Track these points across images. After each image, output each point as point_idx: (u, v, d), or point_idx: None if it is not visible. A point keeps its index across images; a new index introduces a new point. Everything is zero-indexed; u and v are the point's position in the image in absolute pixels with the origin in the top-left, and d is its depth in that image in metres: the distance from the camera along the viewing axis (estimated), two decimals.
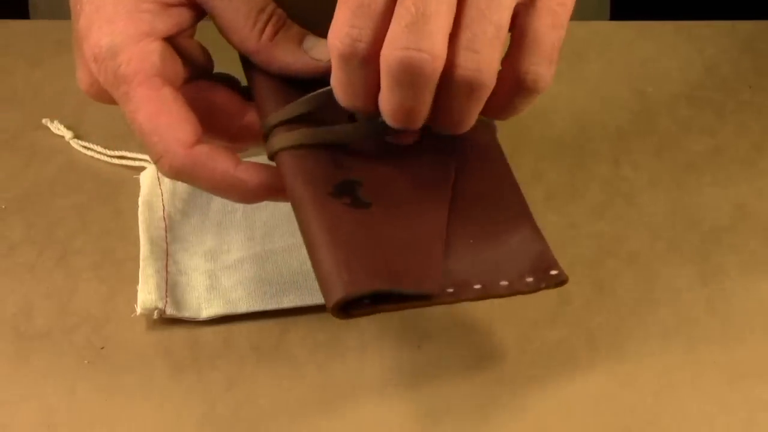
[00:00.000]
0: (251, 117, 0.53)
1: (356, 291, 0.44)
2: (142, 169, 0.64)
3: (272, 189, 0.51)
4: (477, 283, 0.47)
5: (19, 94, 0.71)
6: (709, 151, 0.67)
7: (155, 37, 0.50)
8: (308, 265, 0.57)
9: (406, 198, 0.49)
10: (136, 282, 0.56)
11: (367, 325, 0.56)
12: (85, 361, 0.54)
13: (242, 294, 0.56)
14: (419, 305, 0.46)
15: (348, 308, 0.45)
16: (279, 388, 0.53)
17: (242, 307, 0.56)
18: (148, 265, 0.57)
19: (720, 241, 0.61)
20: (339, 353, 0.54)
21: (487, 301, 0.56)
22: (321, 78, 0.49)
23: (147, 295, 0.55)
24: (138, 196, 0.61)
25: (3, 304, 0.57)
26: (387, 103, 0.46)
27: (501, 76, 0.46)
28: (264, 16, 0.51)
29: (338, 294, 0.44)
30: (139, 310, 0.55)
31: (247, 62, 0.53)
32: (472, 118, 0.47)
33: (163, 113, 0.49)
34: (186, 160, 0.49)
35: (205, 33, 0.54)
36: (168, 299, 0.55)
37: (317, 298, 0.56)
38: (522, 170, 0.64)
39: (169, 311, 0.55)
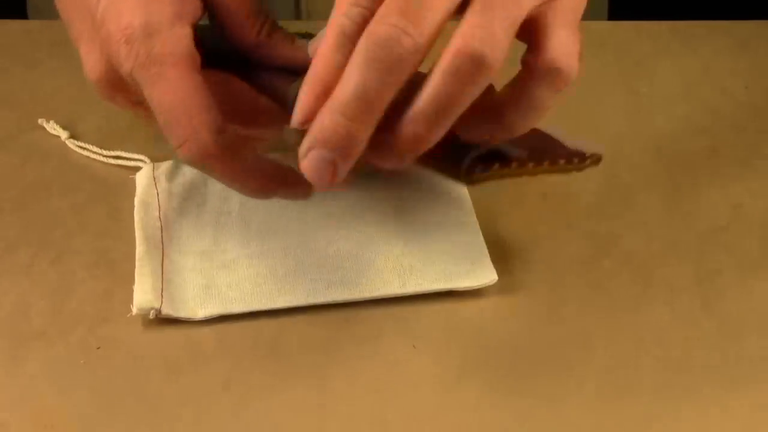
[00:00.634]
0: (264, 100, 0.54)
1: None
2: (138, 169, 0.64)
3: (285, 183, 0.52)
4: (560, 160, 0.57)
5: (14, 95, 0.71)
6: (705, 151, 0.67)
7: (186, 21, 0.51)
8: (305, 264, 0.57)
9: None
10: (132, 282, 0.56)
11: (363, 325, 0.56)
12: (81, 361, 0.54)
13: (238, 294, 0.56)
14: (516, 173, 0.56)
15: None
16: (275, 389, 0.53)
17: (238, 307, 0.56)
18: (144, 265, 0.57)
19: (716, 241, 0.61)
20: (335, 353, 0.54)
21: (480, 300, 0.57)
22: None
23: (143, 295, 0.55)
24: (134, 196, 0.61)
25: None
26: (348, 82, 0.44)
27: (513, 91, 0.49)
28: (262, 17, 0.53)
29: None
30: (135, 310, 0.55)
31: (239, 66, 0.54)
32: (465, 102, 0.46)
33: (195, 96, 0.49)
34: (213, 145, 0.49)
35: None
36: (164, 299, 0.55)
37: (313, 298, 0.56)
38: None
39: (165, 311, 0.55)
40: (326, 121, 0.44)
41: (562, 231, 0.61)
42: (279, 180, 0.52)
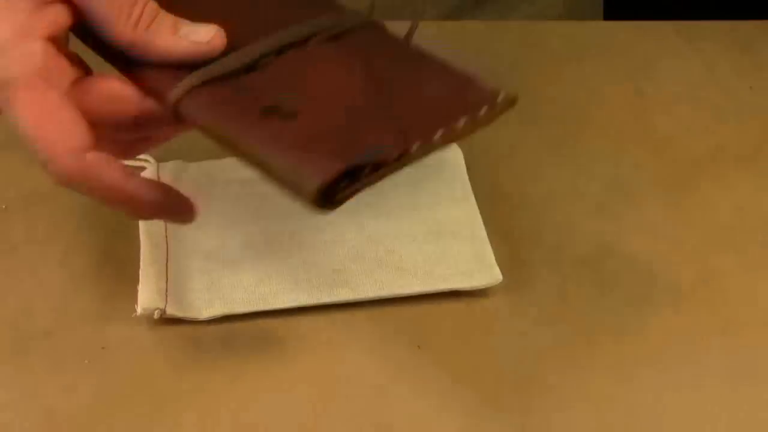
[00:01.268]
0: (149, 103, 0.50)
1: (333, 171, 0.43)
2: (143, 169, 0.64)
3: (164, 206, 0.49)
4: (438, 130, 0.45)
5: None
6: (709, 151, 0.67)
7: (35, 36, 0.47)
8: (309, 264, 0.57)
9: (328, 96, 0.48)
10: (137, 282, 0.56)
11: (367, 326, 0.56)
12: (86, 361, 0.54)
13: (242, 294, 0.56)
14: (394, 169, 0.45)
15: (328, 198, 0.44)
16: (279, 389, 0.53)
17: (242, 308, 0.56)
18: (149, 266, 0.57)
19: (720, 241, 0.61)
20: (339, 353, 0.54)
21: (485, 300, 0.56)
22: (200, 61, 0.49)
23: (148, 295, 0.55)
24: None
25: (4, 303, 0.57)
26: None
27: None
28: (137, 9, 0.49)
29: (315, 181, 0.43)
30: (139, 310, 0.55)
31: (121, 61, 0.51)
32: None
33: (48, 118, 0.46)
34: (74, 167, 0.46)
35: None
36: (168, 299, 0.55)
37: (318, 298, 0.56)
38: (521, 170, 0.65)
39: (170, 311, 0.55)
40: None
41: (567, 231, 0.61)
42: (157, 204, 0.48)
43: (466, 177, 0.62)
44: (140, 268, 0.57)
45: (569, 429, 0.51)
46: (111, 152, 0.48)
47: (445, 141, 0.45)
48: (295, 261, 0.58)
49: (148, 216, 0.50)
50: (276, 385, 0.53)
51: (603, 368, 0.54)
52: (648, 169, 0.66)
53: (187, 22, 0.49)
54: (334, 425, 0.51)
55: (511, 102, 0.47)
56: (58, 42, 0.49)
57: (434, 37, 0.71)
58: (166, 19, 0.49)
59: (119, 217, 0.61)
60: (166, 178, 0.62)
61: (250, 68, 0.49)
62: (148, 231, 0.59)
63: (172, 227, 0.60)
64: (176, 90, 0.48)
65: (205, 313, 0.56)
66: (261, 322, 0.56)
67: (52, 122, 0.46)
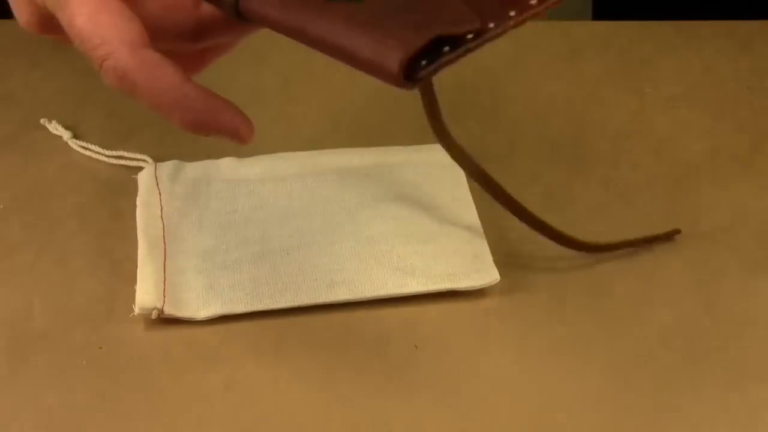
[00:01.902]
0: (206, 8, 0.49)
1: (414, 45, 0.42)
2: (140, 169, 0.64)
3: (216, 114, 0.47)
4: (511, 10, 0.45)
5: (17, 94, 0.71)
6: (707, 151, 0.67)
7: None
8: (307, 264, 0.57)
9: None
10: (135, 282, 0.56)
11: (365, 325, 0.56)
12: (84, 361, 0.54)
13: (240, 294, 0.56)
14: (474, 47, 0.44)
15: (410, 76, 0.42)
16: (277, 389, 0.53)
17: (240, 307, 0.56)
18: (147, 265, 0.57)
19: (718, 241, 0.61)
20: (337, 354, 0.54)
21: (483, 300, 0.56)
22: None
23: (145, 294, 0.55)
24: (136, 196, 0.61)
25: (2, 304, 0.57)
26: None
27: None
28: None
29: (397, 57, 0.42)
30: (137, 310, 0.55)
31: None
32: None
33: (104, 11, 0.45)
34: (131, 61, 0.45)
35: None
36: (166, 299, 0.55)
37: (315, 298, 0.56)
38: (520, 171, 0.65)
39: (168, 311, 0.55)
40: None
41: (564, 230, 0.61)
42: (212, 113, 0.46)
43: (464, 177, 0.62)
44: (138, 268, 0.57)
45: (567, 430, 0.51)
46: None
47: (519, 20, 0.45)
48: (293, 261, 0.58)
49: (200, 125, 0.47)
50: (274, 385, 0.53)
51: (601, 368, 0.54)
52: (646, 169, 0.66)
53: None
54: (331, 425, 0.51)
55: None
56: None
57: None
58: None
59: (116, 217, 0.61)
60: (164, 178, 0.62)
61: None
62: (145, 231, 0.59)
63: (170, 227, 0.60)
64: None
65: (203, 313, 0.56)
66: (258, 322, 0.56)
67: (110, 16, 0.45)
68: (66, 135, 0.67)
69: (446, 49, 0.43)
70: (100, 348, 0.55)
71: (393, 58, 0.42)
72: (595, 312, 0.57)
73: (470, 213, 0.61)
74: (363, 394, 0.52)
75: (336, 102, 0.71)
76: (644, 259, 0.60)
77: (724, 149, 0.67)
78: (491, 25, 0.44)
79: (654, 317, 0.56)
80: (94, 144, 0.66)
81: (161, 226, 0.60)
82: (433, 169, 0.63)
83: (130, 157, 0.65)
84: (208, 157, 0.64)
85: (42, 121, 0.68)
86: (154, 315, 0.55)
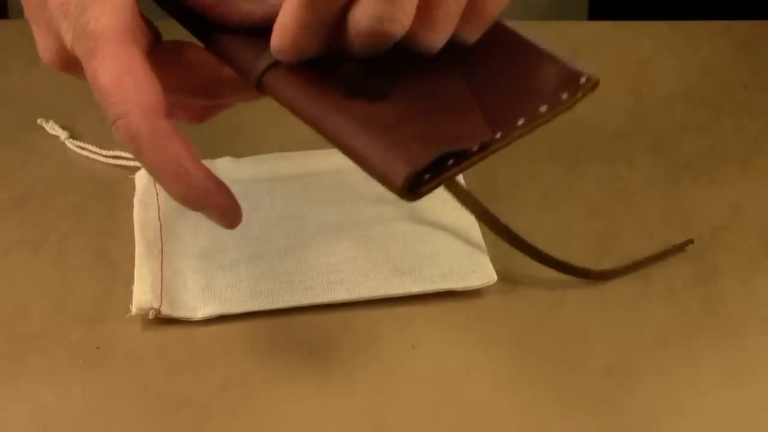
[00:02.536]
0: (227, 72, 0.50)
1: (420, 162, 0.42)
2: (138, 168, 0.64)
3: (210, 196, 0.48)
4: (519, 119, 0.45)
5: (14, 94, 0.71)
6: (704, 150, 0.67)
7: None
8: (304, 264, 0.57)
9: (418, 78, 0.47)
10: (132, 282, 0.56)
11: (362, 326, 0.56)
12: (81, 361, 0.54)
13: (238, 294, 0.56)
14: (478, 160, 0.44)
15: (413, 188, 0.43)
16: (274, 389, 0.53)
17: (238, 308, 0.56)
18: (144, 265, 0.57)
19: (716, 240, 0.61)
20: (334, 354, 0.54)
21: (480, 300, 0.56)
22: None
23: (142, 294, 0.55)
24: (133, 195, 0.61)
25: None
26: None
27: None
28: None
29: (403, 172, 0.42)
30: (134, 310, 0.55)
31: (198, 27, 0.50)
32: None
33: (129, 73, 0.46)
34: (144, 127, 0.45)
35: None
36: (163, 299, 0.55)
37: (312, 298, 0.56)
38: (518, 170, 0.65)
39: (165, 311, 0.55)
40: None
41: (561, 230, 0.61)
42: (207, 195, 0.47)
43: (461, 176, 0.62)
44: (135, 268, 0.57)
45: (564, 430, 0.51)
46: (182, 117, 0.49)
47: (527, 129, 0.45)
48: (290, 261, 0.58)
49: (193, 202, 0.48)
50: (271, 385, 0.53)
51: (598, 369, 0.54)
52: (643, 168, 0.66)
53: None
54: (329, 424, 0.51)
55: (593, 85, 0.47)
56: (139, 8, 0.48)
57: None
58: None
59: (114, 217, 0.61)
60: None
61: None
62: (142, 231, 0.59)
63: (168, 227, 0.60)
64: (261, 62, 0.47)
65: (200, 313, 0.55)
66: (256, 323, 0.56)
67: (133, 77, 0.46)
68: (63, 135, 0.67)
69: (450, 162, 0.43)
70: (98, 348, 0.55)
71: (399, 174, 0.42)
72: (592, 312, 0.57)
73: (467, 213, 0.61)
74: (360, 394, 0.52)
75: None
76: (641, 258, 0.60)
77: (722, 149, 0.67)
78: (498, 135, 0.44)
79: (652, 317, 0.56)
80: (92, 144, 0.66)
81: (158, 226, 0.60)
82: None
83: (127, 157, 0.65)
84: (205, 157, 0.64)
85: (39, 121, 0.68)
86: (151, 315, 0.55)
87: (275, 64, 0.47)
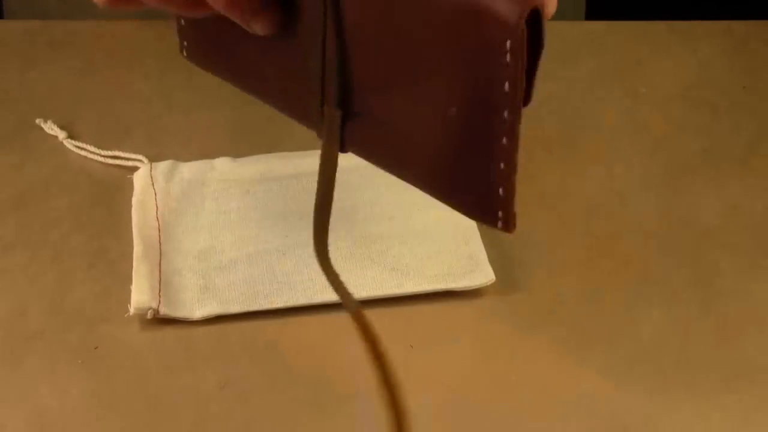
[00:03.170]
0: None
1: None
2: (136, 169, 0.64)
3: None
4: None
5: (12, 94, 0.71)
6: (702, 151, 0.67)
7: None
8: (302, 264, 0.57)
9: None
10: (130, 282, 0.56)
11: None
12: (79, 361, 0.54)
13: (236, 294, 0.56)
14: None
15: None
16: (272, 389, 0.53)
17: (235, 308, 0.56)
18: (142, 265, 0.57)
19: (713, 241, 0.61)
20: (332, 353, 0.54)
21: (478, 300, 0.56)
22: None
23: (140, 294, 0.55)
24: (131, 196, 0.61)
25: None
26: None
27: None
28: None
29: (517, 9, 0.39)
30: (132, 310, 0.55)
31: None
32: None
33: None
34: None
35: None
36: (161, 299, 0.55)
37: (311, 298, 0.56)
38: None
39: (163, 311, 0.55)
40: None
41: (559, 231, 0.61)
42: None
43: None
44: (133, 268, 0.57)
45: (562, 430, 0.51)
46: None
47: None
48: (289, 261, 0.58)
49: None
50: (269, 384, 0.53)
51: (596, 368, 0.54)
52: (641, 169, 0.66)
53: None
54: (327, 425, 0.51)
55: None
56: None
57: None
58: None
59: (112, 218, 0.61)
60: (159, 178, 0.62)
61: None
62: (140, 231, 0.59)
63: (166, 227, 0.60)
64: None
65: (198, 313, 0.56)
66: (254, 323, 0.56)
67: None
68: (61, 135, 0.67)
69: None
70: (96, 348, 0.55)
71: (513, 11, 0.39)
72: (590, 312, 0.57)
73: None
74: (358, 394, 0.52)
75: None
76: (639, 259, 0.60)
77: (719, 149, 0.68)
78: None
79: (649, 317, 0.56)
80: (90, 144, 0.66)
81: (157, 226, 0.60)
82: None
83: (125, 157, 0.65)
84: (204, 157, 0.64)
85: (37, 120, 0.68)
86: (149, 315, 0.55)
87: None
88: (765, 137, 0.68)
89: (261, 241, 0.59)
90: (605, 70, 0.74)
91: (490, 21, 0.40)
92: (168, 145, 0.66)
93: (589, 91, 0.72)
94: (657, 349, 0.55)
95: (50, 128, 0.67)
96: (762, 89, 0.72)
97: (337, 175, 0.63)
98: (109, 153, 0.65)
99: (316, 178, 0.63)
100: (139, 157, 0.64)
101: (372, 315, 0.56)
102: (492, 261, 0.58)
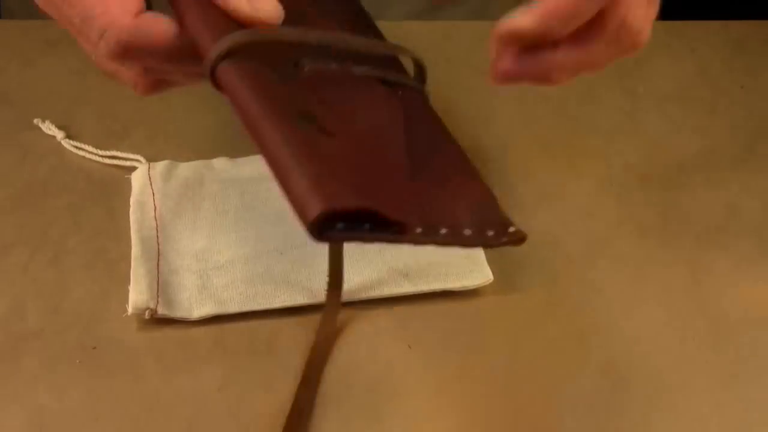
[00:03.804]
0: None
1: (336, 204, 0.40)
2: (134, 169, 0.64)
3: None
4: (444, 228, 0.44)
5: (10, 94, 0.71)
6: (700, 150, 0.67)
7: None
8: (300, 264, 0.57)
9: (366, 134, 0.46)
10: (128, 282, 0.56)
11: (358, 325, 0.56)
12: (77, 361, 0.54)
13: (234, 294, 0.56)
14: (390, 240, 0.42)
15: (323, 229, 0.41)
16: (271, 389, 0.53)
17: (234, 307, 0.56)
18: (140, 265, 0.57)
19: (711, 240, 0.61)
20: (331, 354, 0.54)
21: (476, 300, 0.56)
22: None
23: (139, 294, 0.55)
24: (129, 196, 0.61)
25: None
26: None
27: None
28: None
29: (317, 207, 0.40)
30: (130, 310, 0.55)
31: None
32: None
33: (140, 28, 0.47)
34: (132, 28, 0.47)
35: None
36: (160, 299, 0.55)
37: (308, 298, 0.56)
38: (513, 169, 0.65)
39: (161, 311, 0.55)
40: None
41: (557, 230, 0.61)
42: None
43: None
44: (131, 268, 0.57)
45: (560, 429, 0.51)
46: (132, 80, 0.50)
47: (446, 241, 0.43)
48: (287, 261, 0.58)
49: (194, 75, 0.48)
50: (267, 384, 0.53)
51: (594, 368, 0.54)
52: (639, 168, 0.66)
53: None
54: (325, 424, 0.51)
55: (519, 239, 0.45)
56: None
57: (419, 35, 0.71)
58: None
59: (110, 217, 0.61)
60: (157, 178, 0.62)
61: (298, 64, 0.47)
62: (139, 231, 0.59)
63: (164, 227, 0.60)
64: (219, 44, 0.45)
65: (196, 313, 0.56)
66: (252, 322, 0.56)
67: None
68: (59, 135, 0.67)
69: (367, 226, 0.42)
70: (94, 348, 0.55)
71: (314, 206, 0.40)
72: (588, 311, 0.57)
73: None
74: (356, 394, 0.52)
75: None
76: (637, 258, 0.60)
77: (717, 149, 0.68)
78: (419, 230, 0.43)
79: (647, 317, 0.56)
80: (88, 144, 0.66)
81: (155, 226, 0.60)
82: None
83: (123, 157, 0.65)
84: (202, 157, 0.64)
85: (35, 121, 0.68)
86: (147, 315, 0.55)
87: (231, 54, 0.45)
88: (763, 137, 0.68)
89: (259, 241, 0.59)
90: (604, 70, 0.74)
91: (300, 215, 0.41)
92: (166, 145, 0.66)
93: (588, 90, 0.72)
94: (655, 348, 0.55)
95: (48, 128, 0.67)
96: (760, 89, 0.72)
97: None
98: (108, 153, 0.65)
99: None
100: (137, 157, 0.64)
101: (371, 315, 0.56)
102: (490, 261, 0.58)
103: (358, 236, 0.42)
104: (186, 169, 0.63)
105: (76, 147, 0.66)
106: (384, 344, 0.55)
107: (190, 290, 0.56)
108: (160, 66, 0.49)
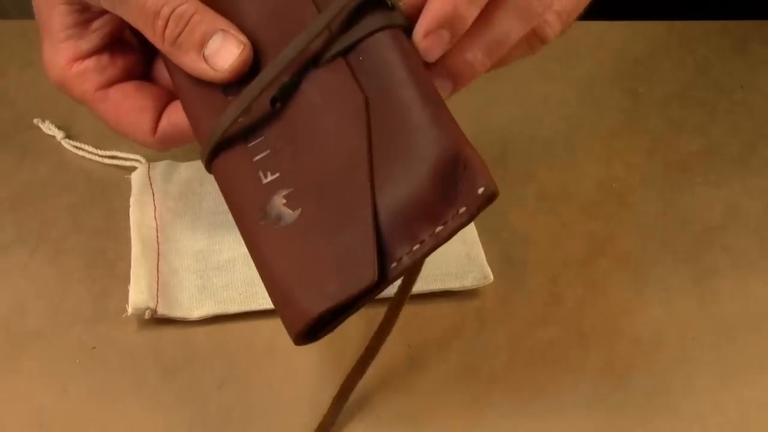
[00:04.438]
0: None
1: (309, 318, 0.43)
2: (134, 168, 0.64)
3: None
4: (424, 235, 0.43)
5: (10, 94, 0.71)
6: (701, 150, 0.67)
7: (84, 55, 0.53)
8: None
9: (329, 172, 0.45)
10: (128, 282, 0.56)
11: (357, 325, 0.56)
12: (77, 361, 0.54)
13: (233, 294, 0.56)
14: (371, 298, 0.44)
15: (315, 331, 0.45)
16: (271, 389, 0.53)
17: (233, 308, 0.56)
18: (140, 265, 0.57)
19: (712, 240, 0.61)
20: (330, 353, 0.54)
21: (476, 300, 0.56)
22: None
23: (138, 294, 0.55)
24: (129, 196, 0.61)
25: None
26: None
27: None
28: (160, 22, 0.48)
29: (294, 329, 0.44)
30: (130, 310, 0.55)
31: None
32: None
33: (121, 115, 0.52)
34: (154, 144, 0.53)
35: None
36: (159, 299, 0.55)
37: None
38: (513, 170, 0.65)
39: (161, 311, 0.55)
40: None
41: (557, 231, 0.61)
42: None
43: None
44: (131, 268, 0.57)
45: (562, 430, 0.51)
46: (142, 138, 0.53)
47: (431, 248, 0.43)
48: None
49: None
50: (267, 384, 0.53)
51: (594, 369, 0.54)
52: (640, 168, 0.66)
53: (219, 32, 0.47)
54: None
55: (489, 198, 0.43)
56: (123, 37, 0.54)
57: None
58: (195, 31, 0.48)
59: (110, 217, 0.61)
60: (157, 178, 0.62)
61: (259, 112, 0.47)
62: (138, 231, 0.59)
63: (164, 227, 0.60)
64: (205, 147, 0.48)
65: (196, 313, 0.56)
66: (252, 322, 0.56)
67: (124, 118, 0.53)
68: (59, 135, 0.67)
69: (354, 302, 0.44)
70: (94, 348, 0.55)
71: (292, 329, 0.44)
72: (588, 312, 0.57)
73: None
74: (356, 394, 0.52)
75: None
76: (638, 258, 0.60)
77: (718, 149, 0.67)
78: (404, 260, 0.43)
79: (648, 317, 0.56)
80: (88, 144, 0.66)
81: (155, 226, 0.60)
82: None
83: (123, 157, 0.65)
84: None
85: (35, 120, 0.68)
86: (147, 315, 0.55)
87: (216, 150, 0.48)
88: (763, 137, 0.68)
89: None
90: (604, 70, 0.74)
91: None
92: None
93: (588, 90, 0.72)
94: (656, 349, 0.55)
95: (48, 128, 0.67)
96: (760, 89, 0.72)
97: None
98: (107, 153, 0.65)
99: None
100: (137, 157, 0.64)
101: (369, 315, 0.56)
102: (490, 261, 0.58)
103: (343, 318, 0.45)
104: (186, 169, 0.63)
105: (76, 147, 0.66)
106: (384, 344, 0.55)
107: (190, 290, 0.56)
108: None
